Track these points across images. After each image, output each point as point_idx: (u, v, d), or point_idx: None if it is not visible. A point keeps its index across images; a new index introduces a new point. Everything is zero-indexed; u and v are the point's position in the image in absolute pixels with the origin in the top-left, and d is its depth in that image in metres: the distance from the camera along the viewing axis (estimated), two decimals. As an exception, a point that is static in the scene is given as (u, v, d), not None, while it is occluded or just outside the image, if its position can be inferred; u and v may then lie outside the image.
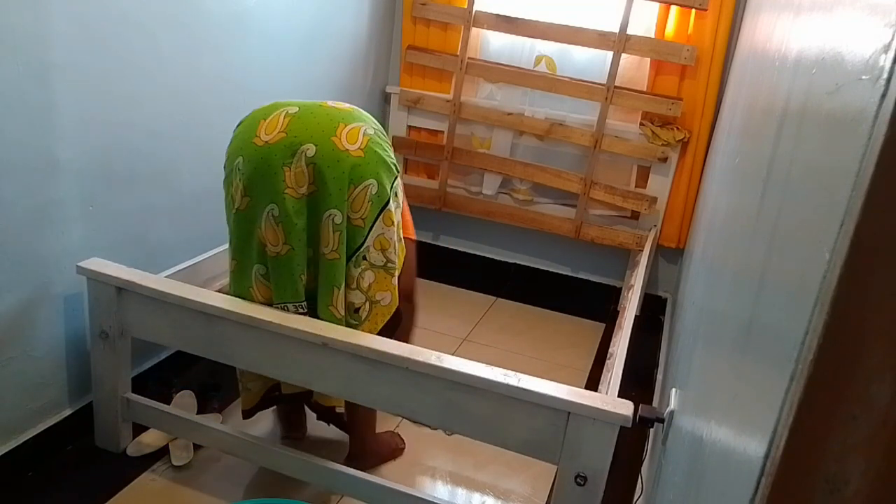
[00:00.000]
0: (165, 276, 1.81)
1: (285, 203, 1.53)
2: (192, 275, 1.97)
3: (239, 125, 1.65)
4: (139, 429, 1.85)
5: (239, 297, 1.66)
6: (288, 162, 1.53)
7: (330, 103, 1.65)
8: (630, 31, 2.75)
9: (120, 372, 1.76)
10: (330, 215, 1.55)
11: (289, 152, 1.53)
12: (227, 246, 2.15)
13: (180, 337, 1.68)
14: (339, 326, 1.55)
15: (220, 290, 1.98)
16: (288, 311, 1.60)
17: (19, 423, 1.70)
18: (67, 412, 1.82)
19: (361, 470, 1.68)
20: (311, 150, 1.52)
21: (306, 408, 1.93)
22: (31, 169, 1.57)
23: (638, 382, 2.43)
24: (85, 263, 1.67)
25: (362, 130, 1.59)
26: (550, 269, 3.23)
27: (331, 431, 1.94)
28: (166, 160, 1.97)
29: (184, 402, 2.00)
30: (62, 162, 1.64)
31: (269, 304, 1.62)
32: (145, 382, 2.00)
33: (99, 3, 1.64)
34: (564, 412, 1.38)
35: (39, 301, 1.68)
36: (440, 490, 1.90)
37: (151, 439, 1.86)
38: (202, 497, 1.74)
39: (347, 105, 1.67)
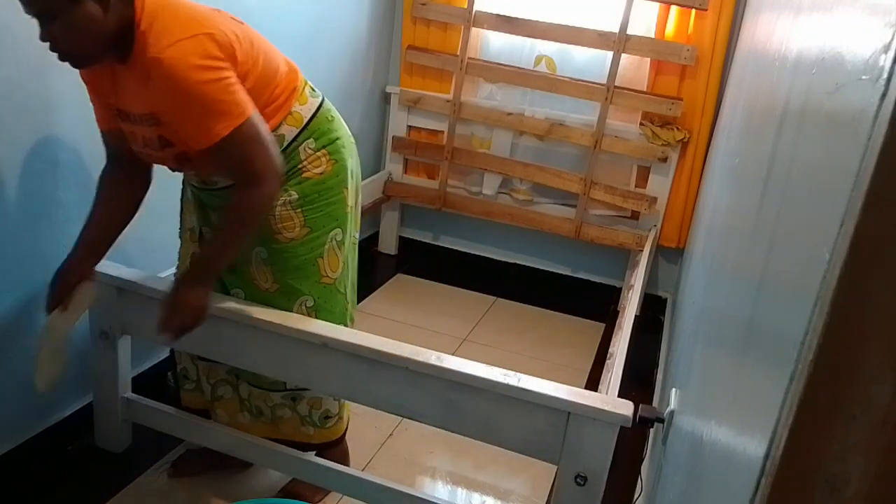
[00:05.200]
0: (165, 276, 1.81)
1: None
2: (192, 275, 1.97)
3: (330, 117, 1.59)
4: (139, 429, 1.85)
5: (344, 313, 1.67)
6: None
7: None
8: (630, 31, 2.75)
9: (120, 372, 1.75)
10: None
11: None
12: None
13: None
14: (338, 326, 1.55)
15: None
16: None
17: (19, 423, 1.70)
18: (67, 412, 1.82)
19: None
20: None
21: None
22: (31, 169, 1.57)
23: (638, 382, 2.43)
24: (85, 263, 1.67)
25: None
26: (550, 269, 3.23)
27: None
28: (166, 160, 1.97)
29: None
30: (62, 162, 1.64)
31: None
32: (146, 382, 2.00)
33: (99, 3, 1.64)
34: (564, 412, 1.38)
35: (39, 301, 1.67)
36: (440, 490, 1.90)
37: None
38: (202, 497, 1.73)
39: None
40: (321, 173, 1.53)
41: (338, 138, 1.57)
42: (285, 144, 1.48)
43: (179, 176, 2.05)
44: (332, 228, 1.56)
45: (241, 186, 1.38)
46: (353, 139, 1.65)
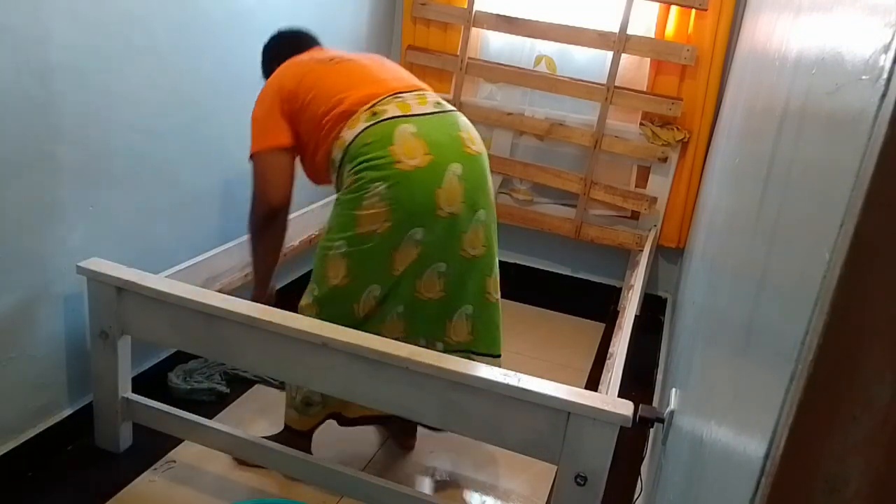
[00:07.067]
0: (165, 276, 1.81)
1: (457, 264, 1.63)
2: (192, 275, 1.97)
3: (367, 140, 1.56)
4: (139, 429, 1.85)
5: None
6: (466, 229, 1.61)
7: (463, 129, 1.66)
8: (630, 31, 2.75)
9: (120, 372, 1.75)
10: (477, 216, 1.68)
11: (468, 220, 1.61)
12: (226, 246, 2.18)
13: (180, 337, 1.68)
14: (338, 326, 1.55)
15: (220, 290, 1.98)
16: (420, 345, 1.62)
17: (19, 423, 1.70)
18: (67, 412, 1.82)
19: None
20: (482, 214, 1.65)
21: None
22: (31, 169, 1.57)
23: (638, 382, 2.43)
24: (85, 263, 1.67)
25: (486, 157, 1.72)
26: (550, 269, 3.23)
27: (332, 432, 1.93)
28: (166, 160, 1.97)
29: None
30: (62, 162, 1.64)
31: (398, 339, 1.62)
32: (145, 382, 2.00)
33: (99, 2, 1.64)
34: (564, 412, 1.38)
35: (39, 301, 1.68)
36: (440, 490, 1.90)
37: None
38: (202, 497, 1.73)
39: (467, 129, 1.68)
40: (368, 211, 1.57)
41: (363, 161, 1.55)
42: (337, 165, 1.64)
43: (183, 177, 2.06)
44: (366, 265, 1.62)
45: None
46: (409, 170, 1.53)
